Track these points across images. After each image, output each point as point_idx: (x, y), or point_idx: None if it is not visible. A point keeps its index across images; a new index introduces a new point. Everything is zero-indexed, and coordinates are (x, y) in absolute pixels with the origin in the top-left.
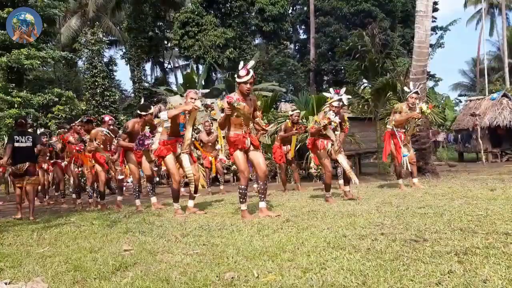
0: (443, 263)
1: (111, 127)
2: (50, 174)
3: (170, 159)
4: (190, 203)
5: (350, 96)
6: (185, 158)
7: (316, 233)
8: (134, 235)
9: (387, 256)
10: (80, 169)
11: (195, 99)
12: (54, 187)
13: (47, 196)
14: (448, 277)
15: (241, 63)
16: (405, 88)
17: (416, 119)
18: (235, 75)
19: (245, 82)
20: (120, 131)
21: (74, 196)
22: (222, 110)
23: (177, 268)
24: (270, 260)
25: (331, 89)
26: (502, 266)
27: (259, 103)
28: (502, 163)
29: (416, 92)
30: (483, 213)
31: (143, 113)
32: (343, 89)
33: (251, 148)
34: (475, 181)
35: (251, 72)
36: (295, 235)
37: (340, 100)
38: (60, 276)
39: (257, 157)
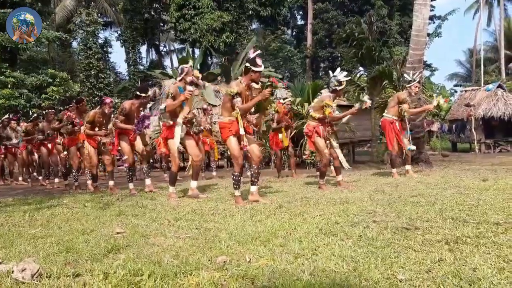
0: (434, 251)
1: (111, 109)
2: (35, 155)
3: (173, 142)
4: (193, 183)
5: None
6: (189, 143)
7: (309, 219)
8: (126, 218)
9: (378, 243)
10: (66, 152)
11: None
12: (36, 168)
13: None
14: (438, 265)
15: (252, 50)
16: (405, 76)
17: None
18: (247, 62)
19: (260, 72)
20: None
21: (56, 180)
22: (237, 94)
23: (169, 251)
24: (262, 245)
25: (338, 69)
26: (492, 255)
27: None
28: (495, 154)
29: (419, 82)
30: (475, 203)
31: (142, 94)
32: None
33: (245, 134)
34: (467, 171)
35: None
36: (288, 221)
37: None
38: (52, 257)
39: (251, 142)
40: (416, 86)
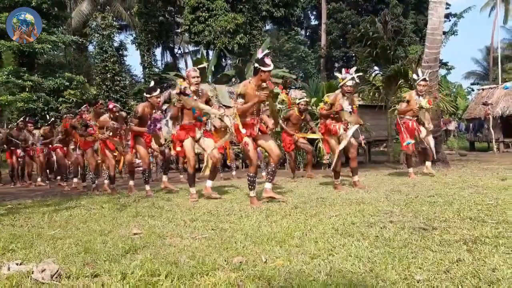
0: (452, 251)
1: (117, 113)
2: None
3: (188, 143)
4: (209, 183)
5: (361, 74)
6: (206, 142)
7: (324, 220)
8: (143, 219)
9: (395, 243)
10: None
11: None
12: (54, 171)
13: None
14: (457, 265)
15: (260, 50)
16: (414, 76)
17: (425, 111)
18: (256, 63)
19: (269, 71)
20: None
21: (75, 180)
22: (240, 95)
23: (185, 252)
24: (278, 245)
25: (342, 70)
26: None
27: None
28: None
29: (424, 79)
30: (493, 203)
31: (147, 95)
32: (354, 69)
33: (259, 134)
34: (485, 171)
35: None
36: (303, 222)
37: (352, 79)
38: (71, 257)
39: (268, 141)
40: (420, 85)
